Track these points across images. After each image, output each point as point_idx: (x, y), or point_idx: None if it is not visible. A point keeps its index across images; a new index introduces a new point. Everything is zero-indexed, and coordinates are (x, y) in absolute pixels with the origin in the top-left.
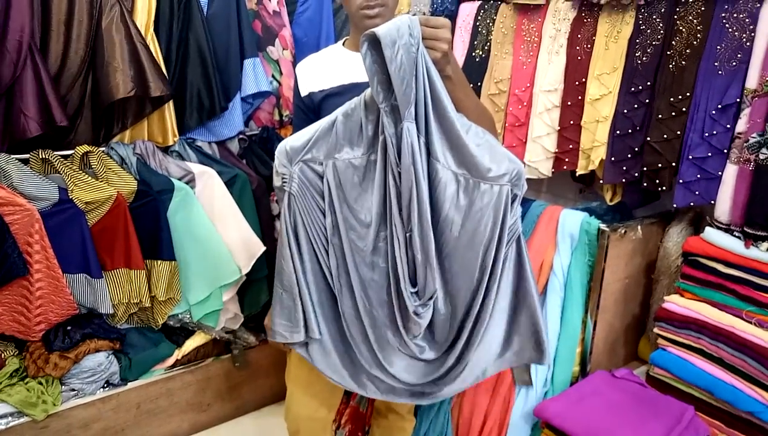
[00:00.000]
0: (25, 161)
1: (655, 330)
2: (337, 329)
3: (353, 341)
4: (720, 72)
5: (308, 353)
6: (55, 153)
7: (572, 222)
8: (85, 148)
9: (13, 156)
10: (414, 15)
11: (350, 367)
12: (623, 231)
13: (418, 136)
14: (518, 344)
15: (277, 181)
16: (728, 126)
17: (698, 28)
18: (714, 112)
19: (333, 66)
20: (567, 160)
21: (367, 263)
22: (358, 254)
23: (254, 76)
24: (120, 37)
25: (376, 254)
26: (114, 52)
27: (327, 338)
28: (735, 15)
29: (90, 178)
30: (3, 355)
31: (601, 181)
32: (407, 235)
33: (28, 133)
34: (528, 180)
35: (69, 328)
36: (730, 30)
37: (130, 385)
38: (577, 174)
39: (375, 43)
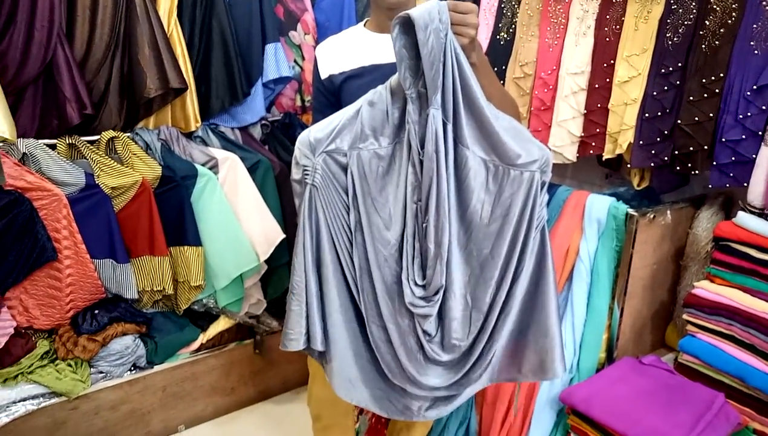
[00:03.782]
0: (53, 147)
1: (685, 316)
2: (362, 337)
3: (377, 349)
4: (756, 51)
5: (326, 371)
6: (82, 138)
7: (599, 207)
8: (111, 133)
9: (41, 141)
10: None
11: (372, 382)
12: (652, 216)
13: (445, 124)
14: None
15: (296, 174)
16: (764, 107)
17: (733, 6)
18: (749, 93)
19: (354, 48)
20: (593, 144)
21: (390, 265)
22: (382, 253)
23: (275, 61)
24: (145, 27)
25: (399, 252)
26: (143, 44)
27: (347, 350)
28: None
29: (116, 163)
30: (33, 338)
31: (629, 166)
32: (423, 225)
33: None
34: (552, 165)
35: (96, 312)
36: (767, 8)
37: (156, 368)
38: (603, 158)
39: (406, 26)
